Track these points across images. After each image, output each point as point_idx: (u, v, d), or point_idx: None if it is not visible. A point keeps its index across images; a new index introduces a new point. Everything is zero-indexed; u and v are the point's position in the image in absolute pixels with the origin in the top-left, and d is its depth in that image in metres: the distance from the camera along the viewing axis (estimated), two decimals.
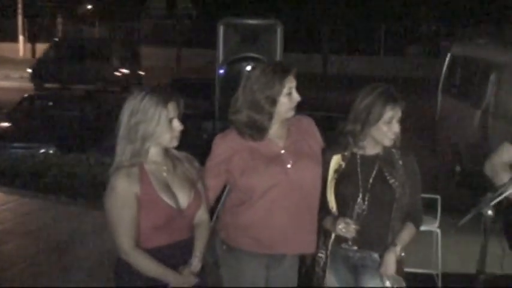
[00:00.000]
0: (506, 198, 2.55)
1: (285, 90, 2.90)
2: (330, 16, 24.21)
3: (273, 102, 2.89)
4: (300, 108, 3.01)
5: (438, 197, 4.90)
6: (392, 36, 26.31)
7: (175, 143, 2.74)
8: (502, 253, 3.06)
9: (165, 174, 2.73)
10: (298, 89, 2.96)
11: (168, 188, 2.71)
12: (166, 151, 2.76)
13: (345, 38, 26.25)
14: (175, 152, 2.81)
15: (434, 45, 25.21)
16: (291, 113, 2.97)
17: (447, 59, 9.60)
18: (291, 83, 2.92)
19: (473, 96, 8.32)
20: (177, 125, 2.70)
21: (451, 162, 8.74)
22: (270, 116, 2.92)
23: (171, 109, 2.67)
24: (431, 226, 4.81)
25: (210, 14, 22.16)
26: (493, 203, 2.38)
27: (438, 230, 4.85)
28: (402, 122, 2.92)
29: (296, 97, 2.94)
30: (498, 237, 2.99)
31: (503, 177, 2.88)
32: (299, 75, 2.97)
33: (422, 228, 4.53)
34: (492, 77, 7.76)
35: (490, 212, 2.39)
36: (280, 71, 2.92)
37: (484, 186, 3.26)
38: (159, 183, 2.69)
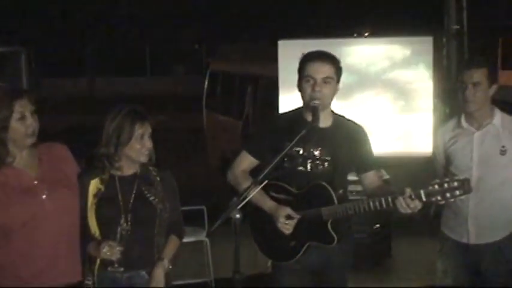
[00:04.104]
0: (250, 202, 2.74)
1: (16, 115, 2.75)
2: (93, 39, 23.82)
3: (3, 128, 2.73)
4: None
5: (203, 207, 5.12)
6: (158, 57, 26.80)
7: None
8: (254, 253, 3.28)
9: None
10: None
11: None
12: None
13: (111, 60, 26.04)
14: None
15: (199, 64, 26.16)
16: (30, 140, 2.83)
17: (207, 76, 10.05)
18: (22, 107, 2.77)
19: (234, 109, 8.81)
20: None
21: (221, 173, 9.13)
22: (3, 144, 2.76)
23: None
24: (200, 236, 5.01)
25: None
26: (238, 207, 2.55)
27: (207, 239, 5.06)
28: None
29: (31, 122, 2.79)
30: (249, 239, 3.21)
31: (244, 184, 3.02)
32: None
33: (192, 239, 4.73)
34: (249, 90, 8.30)
35: (237, 216, 2.55)
36: (10, 95, 2.77)
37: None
38: None
